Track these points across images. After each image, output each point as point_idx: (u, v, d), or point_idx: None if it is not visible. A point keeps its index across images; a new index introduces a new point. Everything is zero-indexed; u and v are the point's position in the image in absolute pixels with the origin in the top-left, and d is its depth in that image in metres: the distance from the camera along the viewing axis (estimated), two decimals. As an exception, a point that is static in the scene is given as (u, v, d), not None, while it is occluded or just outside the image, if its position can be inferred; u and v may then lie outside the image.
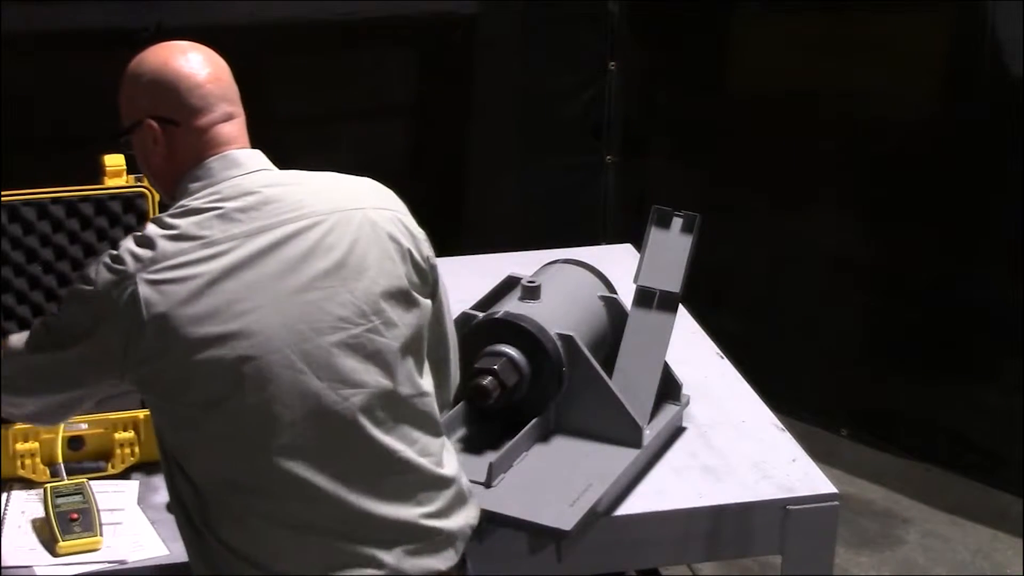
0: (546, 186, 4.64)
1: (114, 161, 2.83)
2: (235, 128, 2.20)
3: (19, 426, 2.51)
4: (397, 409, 2.12)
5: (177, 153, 2.16)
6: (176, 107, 2.15)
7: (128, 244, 2.07)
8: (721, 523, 2.57)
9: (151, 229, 2.08)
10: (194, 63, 2.17)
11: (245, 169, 2.16)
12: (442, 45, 4.43)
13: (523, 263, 3.06)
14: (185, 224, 2.07)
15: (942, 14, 4.11)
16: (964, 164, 4.03)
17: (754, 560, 3.81)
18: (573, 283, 2.81)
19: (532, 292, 2.67)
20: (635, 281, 2.75)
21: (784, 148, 4.37)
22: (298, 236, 2.09)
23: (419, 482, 2.13)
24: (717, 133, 4.58)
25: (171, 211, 2.12)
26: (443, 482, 2.16)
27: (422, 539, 2.11)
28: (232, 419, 2.03)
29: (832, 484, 2.62)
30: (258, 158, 2.21)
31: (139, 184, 2.83)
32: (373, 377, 2.09)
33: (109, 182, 2.83)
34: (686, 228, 2.74)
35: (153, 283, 2.01)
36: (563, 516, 2.37)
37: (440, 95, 4.51)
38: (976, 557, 3.99)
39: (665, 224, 2.76)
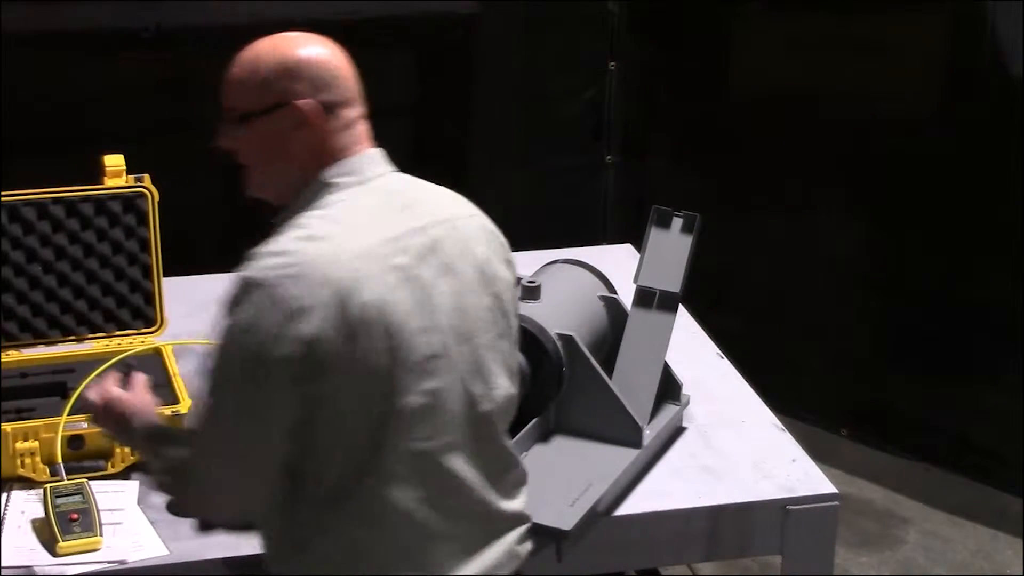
0: (546, 186, 4.64)
1: (114, 161, 2.84)
2: (368, 127, 2.18)
3: (18, 425, 2.51)
4: (510, 412, 2.19)
5: (325, 142, 2.10)
6: (334, 94, 2.11)
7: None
8: (721, 523, 2.57)
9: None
10: (342, 55, 2.16)
11: (388, 168, 2.16)
12: (442, 45, 4.44)
13: (523, 263, 3.05)
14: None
15: (943, 14, 4.11)
16: (964, 164, 4.03)
17: (754, 560, 3.81)
18: (573, 283, 2.81)
19: (532, 292, 2.67)
20: (635, 281, 2.75)
21: (784, 148, 4.37)
22: (446, 239, 2.10)
23: (517, 478, 2.22)
24: (717, 133, 4.58)
25: (324, 210, 2.07)
26: (525, 477, 2.25)
27: (523, 529, 2.22)
28: (407, 412, 2.02)
29: (832, 484, 2.62)
30: (386, 159, 2.19)
31: (139, 184, 2.84)
32: (504, 380, 2.14)
33: (109, 182, 2.83)
34: (686, 228, 2.74)
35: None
36: (563, 516, 2.37)
37: (440, 95, 4.52)
38: (976, 557, 3.99)
39: (665, 224, 2.76)
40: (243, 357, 1.96)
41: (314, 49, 2.13)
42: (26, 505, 2.45)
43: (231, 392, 1.99)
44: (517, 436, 2.53)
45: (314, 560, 2.04)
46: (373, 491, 2.01)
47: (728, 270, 4.34)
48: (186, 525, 2.41)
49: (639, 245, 2.79)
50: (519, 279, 2.30)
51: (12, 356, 2.78)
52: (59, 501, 2.38)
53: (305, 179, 2.12)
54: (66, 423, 2.52)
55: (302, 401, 1.95)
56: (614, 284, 2.87)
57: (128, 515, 2.44)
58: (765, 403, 2.92)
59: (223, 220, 4.40)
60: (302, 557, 2.05)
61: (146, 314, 2.87)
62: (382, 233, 2.03)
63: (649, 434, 2.64)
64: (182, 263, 3.11)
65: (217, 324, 2.00)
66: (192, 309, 3.05)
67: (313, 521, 2.04)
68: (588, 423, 2.62)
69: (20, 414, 2.60)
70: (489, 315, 2.12)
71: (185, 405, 2.60)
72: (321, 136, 2.10)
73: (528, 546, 2.22)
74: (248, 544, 2.36)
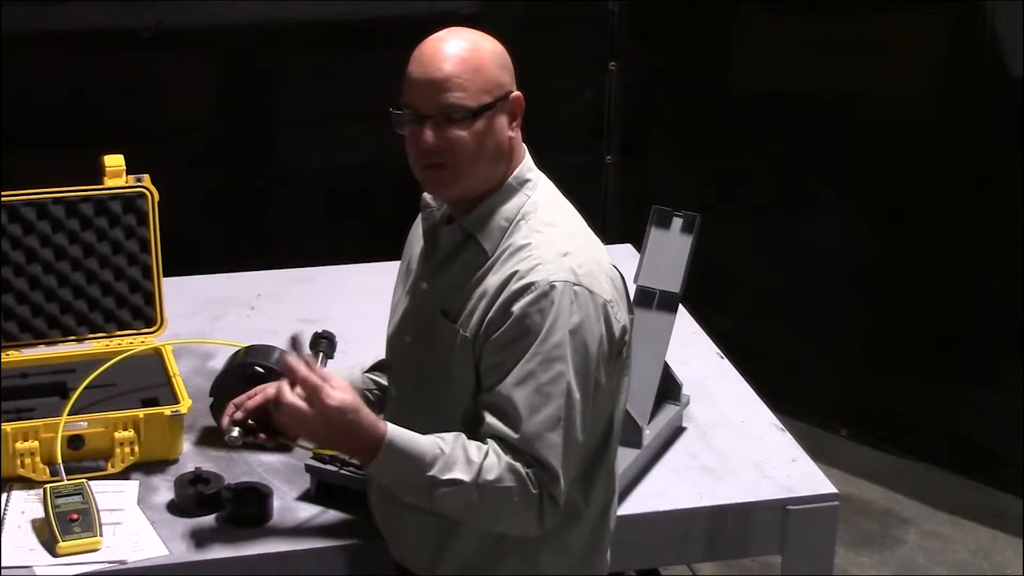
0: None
1: (114, 161, 2.84)
2: None
3: (18, 425, 2.51)
4: None
5: (519, 138, 2.19)
6: (516, 84, 2.18)
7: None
8: (721, 523, 2.57)
9: None
10: None
11: None
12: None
13: (523, 263, 3.05)
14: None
15: (943, 15, 4.11)
16: (965, 164, 4.02)
17: (754, 560, 3.81)
18: (573, 283, 2.81)
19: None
20: (635, 281, 2.75)
21: (784, 148, 4.36)
22: None
23: None
24: (717, 133, 4.57)
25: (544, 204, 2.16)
26: None
27: None
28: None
29: (832, 484, 2.62)
30: None
31: (139, 184, 2.84)
32: None
33: (109, 182, 2.83)
34: (686, 228, 2.74)
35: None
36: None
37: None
38: (976, 557, 3.99)
39: (665, 224, 2.76)
40: (588, 353, 2.06)
41: (496, 40, 2.17)
42: (26, 505, 2.45)
43: (583, 383, 2.07)
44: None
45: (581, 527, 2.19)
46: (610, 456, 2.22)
47: (728, 270, 4.34)
48: (186, 525, 2.41)
49: (639, 245, 2.79)
50: None
51: (12, 356, 2.78)
52: (59, 501, 2.38)
53: (505, 175, 2.16)
54: (66, 423, 2.52)
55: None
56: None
57: (128, 515, 2.43)
58: (765, 403, 2.92)
59: (222, 220, 4.40)
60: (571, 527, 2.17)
61: (146, 314, 2.87)
62: (583, 220, 2.21)
63: (649, 434, 2.64)
64: (181, 263, 3.11)
65: (540, 331, 2.03)
66: (192, 309, 3.06)
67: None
68: (588, 423, 2.62)
69: (20, 414, 2.60)
70: None
71: (185, 405, 2.60)
72: (520, 127, 2.18)
73: None
74: (250, 545, 2.37)
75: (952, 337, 4.17)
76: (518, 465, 2.03)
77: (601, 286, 2.09)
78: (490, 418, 2.05)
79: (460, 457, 2.03)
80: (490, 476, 2.02)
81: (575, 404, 2.05)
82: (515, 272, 2.07)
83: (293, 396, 2.03)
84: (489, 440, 2.05)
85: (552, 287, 2.04)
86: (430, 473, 2.03)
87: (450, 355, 2.12)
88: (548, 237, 2.10)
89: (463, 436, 2.07)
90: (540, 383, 2.03)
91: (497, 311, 2.06)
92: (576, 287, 2.05)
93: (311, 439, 2.17)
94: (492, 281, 2.09)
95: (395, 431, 2.05)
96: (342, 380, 2.07)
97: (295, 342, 2.08)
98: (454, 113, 2.07)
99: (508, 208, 2.14)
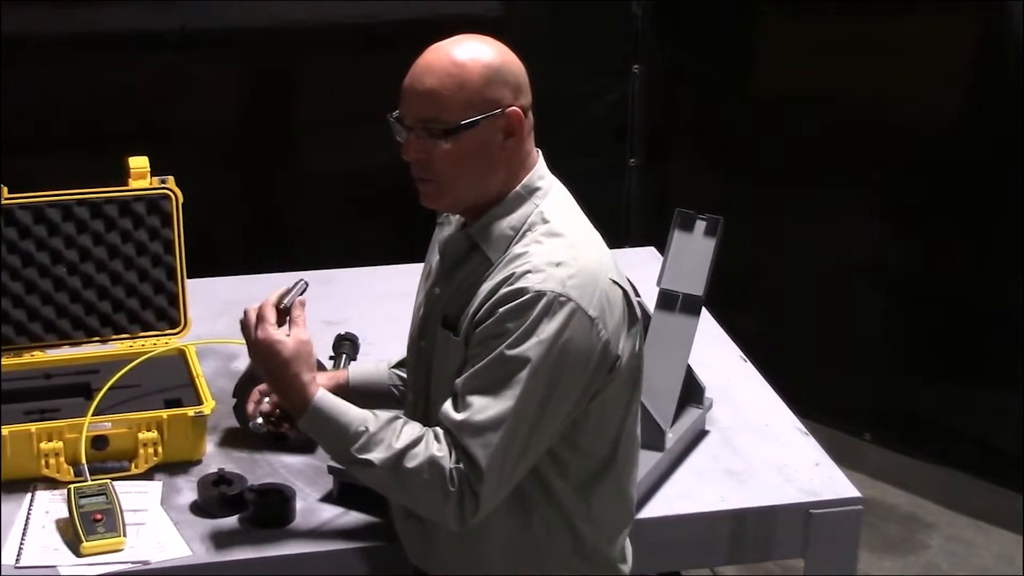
0: (569, 188, 4.62)
1: (138, 163, 2.85)
2: None
3: (43, 425, 2.52)
4: None
5: (523, 147, 2.15)
6: (526, 97, 2.14)
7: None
8: (744, 527, 2.57)
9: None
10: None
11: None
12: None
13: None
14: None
15: (966, 15, 4.09)
16: (989, 167, 4.01)
17: (776, 564, 3.80)
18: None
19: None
20: (658, 284, 2.74)
21: (808, 151, 4.35)
22: None
23: None
24: (740, 136, 4.57)
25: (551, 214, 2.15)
26: None
27: None
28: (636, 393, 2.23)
29: (855, 488, 2.62)
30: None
31: (163, 186, 2.85)
32: None
33: (133, 184, 2.84)
34: (709, 231, 2.74)
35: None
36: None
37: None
38: (999, 562, 3.98)
39: (688, 227, 2.75)
40: (558, 366, 2.05)
41: (505, 52, 2.13)
42: (50, 505, 2.46)
43: (544, 395, 2.07)
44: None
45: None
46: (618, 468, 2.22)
47: (752, 273, 4.33)
48: (209, 526, 2.42)
49: (662, 248, 2.79)
50: None
51: (37, 357, 2.79)
52: (83, 501, 2.39)
53: (507, 185, 2.15)
54: (90, 424, 2.53)
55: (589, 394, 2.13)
56: (637, 287, 2.86)
57: (151, 516, 2.44)
58: (788, 406, 2.92)
59: (245, 221, 4.41)
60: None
61: (170, 315, 2.88)
62: (594, 231, 2.20)
63: (672, 437, 2.64)
64: (205, 264, 3.12)
65: (513, 335, 2.04)
66: (215, 310, 3.06)
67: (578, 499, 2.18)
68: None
69: (45, 414, 2.61)
70: None
71: (208, 406, 2.60)
72: (521, 141, 2.13)
73: None
74: (272, 546, 2.37)
75: (976, 340, 4.16)
76: (443, 459, 2.06)
77: (590, 300, 2.07)
78: (446, 403, 2.09)
79: (384, 439, 2.09)
80: (410, 464, 2.07)
81: (527, 411, 2.05)
82: (507, 277, 2.08)
83: (252, 317, 2.18)
84: (435, 428, 2.09)
85: (538, 295, 2.04)
86: (349, 448, 2.11)
87: (449, 362, 2.15)
88: (547, 247, 2.10)
89: (401, 419, 2.13)
90: (494, 381, 2.05)
91: (485, 311, 2.08)
92: (561, 298, 2.04)
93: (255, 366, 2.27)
94: (487, 286, 2.11)
95: (324, 397, 2.14)
96: (303, 332, 2.17)
97: (298, 283, 2.22)
98: (433, 127, 2.08)
99: (514, 217, 2.14)
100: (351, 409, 2.14)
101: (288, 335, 2.16)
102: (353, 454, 2.11)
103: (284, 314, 2.19)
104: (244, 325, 2.19)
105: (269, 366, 2.16)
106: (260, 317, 2.17)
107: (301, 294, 2.21)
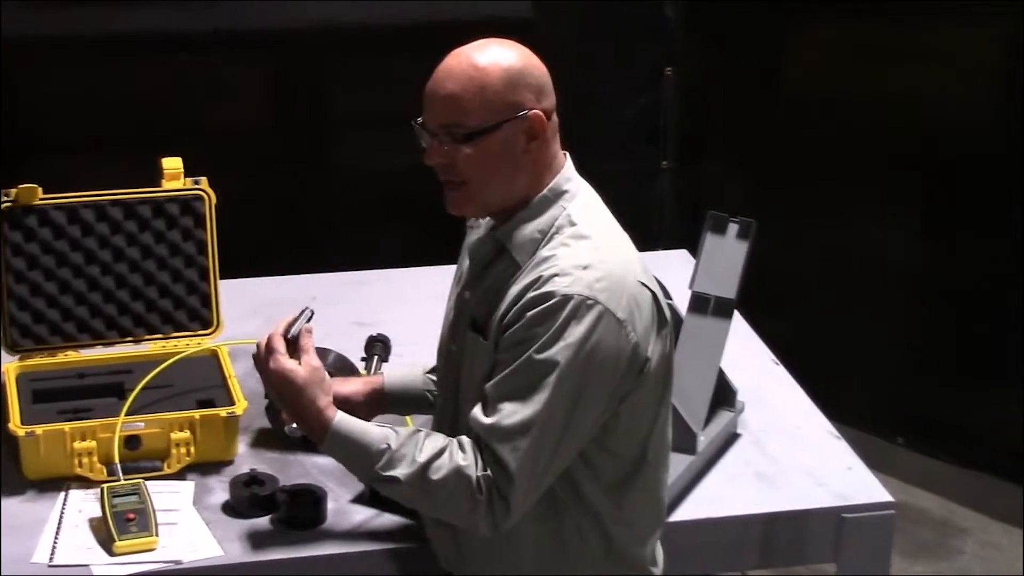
0: (601, 191, 4.59)
1: (172, 164, 2.86)
2: None
3: (76, 424, 2.53)
4: None
5: (548, 149, 2.15)
6: (549, 100, 2.14)
7: None
8: (775, 531, 2.56)
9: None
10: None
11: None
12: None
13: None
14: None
15: (1001, 18, 4.07)
16: (1022, 170, 3.98)
17: (807, 568, 3.78)
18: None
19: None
20: (690, 287, 2.74)
21: (841, 154, 4.34)
22: None
23: None
24: (773, 139, 4.55)
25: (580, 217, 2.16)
26: None
27: None
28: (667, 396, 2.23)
29: (888, 493, 2.60)
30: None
31: (197, 187, 2.86)
32: None
33: (167, 184, 2.85)
34: (742, 234, 2.73)
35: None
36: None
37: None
38: (1033, 568, 3.95)
39: (721, 230, 2.75)
40: (586, 369, 2.05)
41: (526, 55, 2.13)
42: (84, 504, 2.47)
43: (573, 398, 2.07)
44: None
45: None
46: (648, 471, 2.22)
47: (784, 276, 4.32)
48: (241, 526, 2.43)
49: (695, 251, 2.78)
50: None
51: (70, 357, 2.80)
52: (116, 501, 2.40)
53: (533, 189, 2.15)
54: (123, 423, 2.54)
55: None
56: (669, 290, 2.85)
57: (184, 516, 2.45)
58: (820, 410, 2.90)
59: (278, 222, 4.42)
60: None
61: (203, 316, 2.88)
62: (623, 233, 2.20)
63: (703, 440, 2.63)
64: (238, 265, 3.13)
65: (541, 339, 2.05)
66: (248, 311, 3.07)
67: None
68: (642, 429, 2.61)
69: (78, 414, 2.63)
70: None
71: (240, 407, 2.61)
72: (545, 144, 2.13)
73: None
74: (304, 547, 2.37)
75: (1010, 345, 4.13)
76: (469, 468, 2.06)
77: (618, 302, 2.07)
78: (476, 407, 2.10)
79: (407, 455, 2.11)
80: (435, 476, 2.08)
81: (556, 415, 2.06)
82: (534, 280, 2.08)
83: (262, 350, 2.22)
84: (459, 437, 2.10)
85: (565, 299, 2.04)
86: (374, 466, 2.13)
87: (478, 365, 2.15)
88: (574, 249, 2.10)
89: (422, 432, 2.13)
90: (524, 386, 2.05)
91: (513, 315, 2.08)
92: (588, 301, 2.05)
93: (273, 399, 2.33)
94: (515, 289, 2.11)
95: (343, 420, 2.16)
96: (314, 359, 2.20)
97: (303, 312, 2.27)
98: (454, 131, 2.08)
99: (542, 220, 2.15)
100: (371, 428, 2.16)
101: (300, 363, 2.19)
102: (378, 472, 2.12)
103: (293, 343, 2.22)
104: (256, 358, 2.24)
105: (285, 395, 2.20)
106: (269, 348, 2.21)
107: (308, 322, 2.26)
